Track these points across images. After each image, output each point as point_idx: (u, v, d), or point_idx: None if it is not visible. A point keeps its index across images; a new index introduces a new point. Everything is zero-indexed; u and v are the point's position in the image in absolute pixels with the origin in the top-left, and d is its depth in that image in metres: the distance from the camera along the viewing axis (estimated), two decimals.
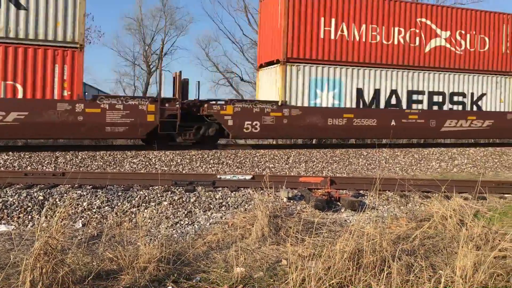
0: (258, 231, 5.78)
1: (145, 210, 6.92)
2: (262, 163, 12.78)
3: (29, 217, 6.55)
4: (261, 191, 7.74)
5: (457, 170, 13.58)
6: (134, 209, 6.95)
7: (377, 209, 7.56)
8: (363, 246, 4.58)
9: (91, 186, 7.98)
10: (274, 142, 21.03)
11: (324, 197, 7.64)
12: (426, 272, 4.34)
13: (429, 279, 4.19)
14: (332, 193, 7.90)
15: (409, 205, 7.90)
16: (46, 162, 11.54)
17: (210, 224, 6.53)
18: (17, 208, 6.67)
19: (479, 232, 5.59)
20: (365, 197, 8.29)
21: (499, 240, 5.42)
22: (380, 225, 6.18)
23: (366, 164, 13.46)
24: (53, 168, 11.17)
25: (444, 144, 19.33)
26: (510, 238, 5.58)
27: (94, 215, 6.68)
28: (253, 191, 7.85)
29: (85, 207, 6.83)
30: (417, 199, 8.20)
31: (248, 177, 9.08)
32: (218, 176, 8.99)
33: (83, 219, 6.55)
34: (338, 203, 7.69)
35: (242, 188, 8.32)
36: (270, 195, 7.49)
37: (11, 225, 6.33)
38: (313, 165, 12.97)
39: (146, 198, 7.35)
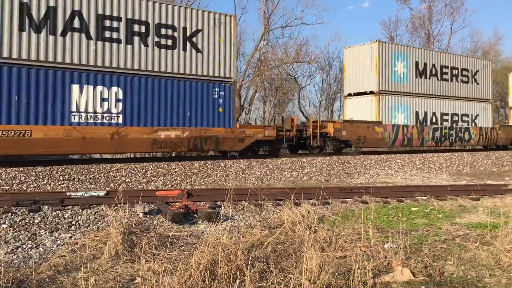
0: (111, 250, 5.51)
1: None
2: (118, 177, 12.27)
3: None
4: (116, 207, 7.41)
5: (307, 178, 14.61)
6: None
7: (233, 219, 7.75)
8: (218, 257, 4.65)
9: None
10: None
11: (181, 210, 7.60)
12: (277, 277, 4.56)
13: (280, 283, 4.40)
14: (190, 205, 7.89)
15: (263, 214, 8.25)
16: None
17: (57, 246, 6.04)
18: None
19: (324, 235, 6.06)
20: (222, 208, 8.45)
21: (341, 242, 5.94)
22: (235, 234, 6.35)
23: (224, 176, 13.76)
24: None
25: (296, 154, 20.65)
26: (350, 239, 6.16)
27: None
28: (106, 208, 7.49)
29: None
30: (270, 207, 8.60)
31: (102, 193, 8.64)
32: (68, 194, 8.40)
33: None
34: (196, 215, 7.71)
35: (95, 205, 7.88)
36: (125, 211, 7.22)
37: None
38: (172, 178, 12.85)
39: None
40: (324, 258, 4.86)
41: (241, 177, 13.79)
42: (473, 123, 24.83)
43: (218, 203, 8.68)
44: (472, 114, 24.82)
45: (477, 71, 25.25)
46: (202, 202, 8.56)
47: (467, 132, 24.40)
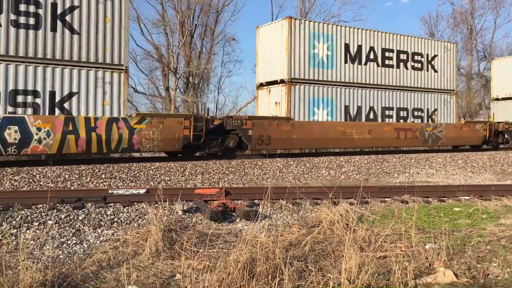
0: (152, 246, 5.63)
1: (27, 231, 6.40)
2: (158, 176, 12.51)
3: None
4: (156, 205, 7.56)
5: (345, 177, 14.45)
6: (15, 230, 6.39)
7: (270, 218, 7.76)
8: (257, 255, 4.67)
9: None
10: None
11: (219, 208, 7.67)
12: (315, 276, 4.54)
13: (319, 283, 4.38)
14: (228, 204, 7.95)
15: (301, 212, 8.22)
16: None
17: (100, 242, 6.22)
18: None
19: (363, 235, 5.98)
20: (260, 206, 8.48)
21: (381, 242, 5.85)
22: (273, 233, 6.37)
23: (261, 174, 13.79)
24: None
25: (333, 153, 20.45)
26: (390, 240, 6.06)
27: None
28: (147, 205, 7.65)
29: None
30: (308, 206, 8.56)
31: (142, 191, 8.82)
32: (110, 191, 8.61)
33: None
34: (234, 214, 7.76)
35: (135, 203, 8.06)
36: (164, 208, 7.35)
37: None
38: (210, 177, 12.98)
39: (29, 218, 6.81)
40: (363, 258, 4.80)
41: (278, 176, 13.79)
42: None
43: (255, 201, 8.71)
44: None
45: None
46: (240, 201, 8.61)
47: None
